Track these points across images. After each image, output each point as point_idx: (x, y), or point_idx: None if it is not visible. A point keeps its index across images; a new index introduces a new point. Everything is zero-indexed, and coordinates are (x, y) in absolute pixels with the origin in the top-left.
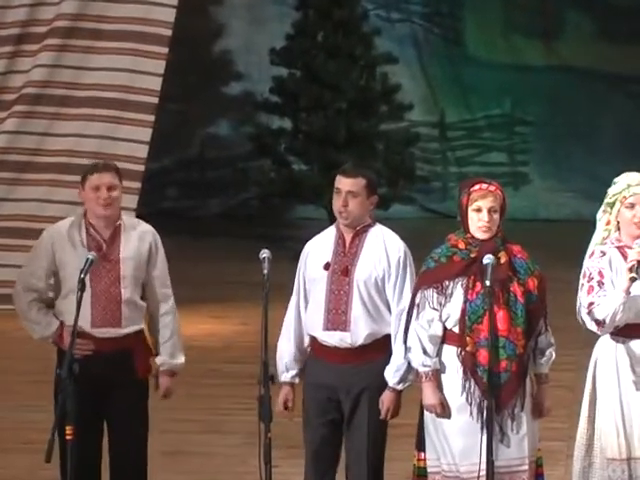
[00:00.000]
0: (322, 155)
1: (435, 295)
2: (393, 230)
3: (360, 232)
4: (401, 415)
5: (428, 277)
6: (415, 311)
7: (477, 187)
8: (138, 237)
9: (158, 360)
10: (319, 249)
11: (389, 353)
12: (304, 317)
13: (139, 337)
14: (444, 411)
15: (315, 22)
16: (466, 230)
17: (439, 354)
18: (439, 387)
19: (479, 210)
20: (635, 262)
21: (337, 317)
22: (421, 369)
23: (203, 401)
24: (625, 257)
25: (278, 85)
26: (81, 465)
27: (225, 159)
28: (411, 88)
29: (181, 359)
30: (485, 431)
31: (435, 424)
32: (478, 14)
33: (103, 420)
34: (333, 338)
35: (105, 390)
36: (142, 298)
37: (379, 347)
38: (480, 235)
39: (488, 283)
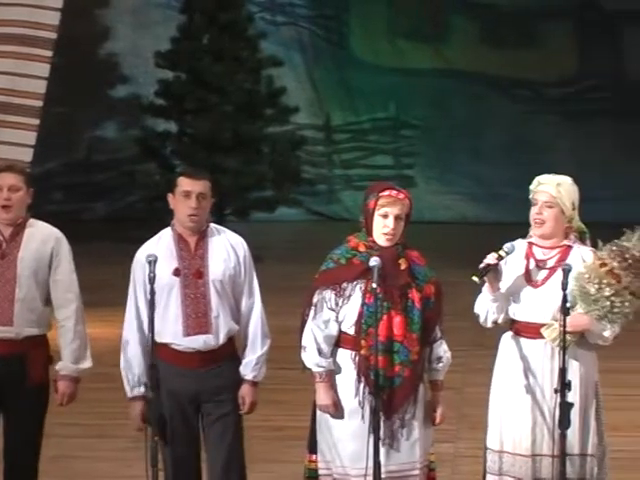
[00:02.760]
0: (208, 158)
1: (333, 296)
2: (281, 232)
3: (203, 234)
4: (291, 417)
5: (327, 277)
6: (312, 311)
7: (387, 193)
8: (41, 239)
9: (57, 365)
10: (158, 256)
11: (236, 349)
12: (147, 327)
13: (36, 342)
14: (337, 412)
15: (200, 25)
16: (369, 233)
17: (333, 357)
18: (333, 388)
19: (386, 216)
20: (486, 265)
21: (197, 321)
22: (315, 369)
23: (90, 405)
24: (527, 255)
25: (163, 88)
26: None
27: (111, 162)
28: (297, 91)
29: (84, 364)
30: (373, 433)
31: (326, 428)
32: (363, 18)
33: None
34: (196, 342)
35: (1, 394)
36: (48, 303)
37: (232, 344)
38: (382, 242)
39: (374, 285)
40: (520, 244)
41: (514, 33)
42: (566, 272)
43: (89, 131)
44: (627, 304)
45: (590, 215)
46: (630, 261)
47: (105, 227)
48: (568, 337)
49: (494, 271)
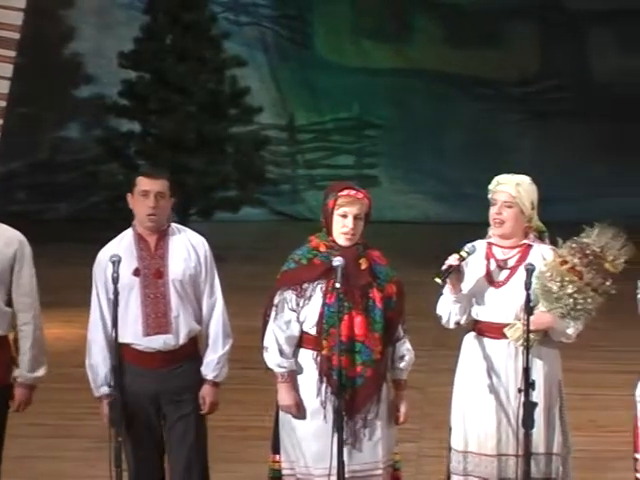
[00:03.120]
0: (172, 158)
1: (294, 297)
2: (245, 232)
3: (163, 234)
4: (255, 417)
5: (288, 278)
6: (274, 312)
7: (345, 192)
8: (4, 242)
9: (15, 372)
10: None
11: (199, 349)
12: (111, 327)
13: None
14: (299, 412)
15: (164, 25)
16: (329, 233)
17: (295, 357)
18: (295, 388)
19: (345, 216)
20: (448, 266)
21: (157, 321)
22: (277, 370)
23: (53, 405)
24: (487, 255)
25: (127, 88)
26: None
27: (75, 162)
28: (260, 91)
29: (40, 372)
30: (336, 434)
31: (289, 428)
32: (327, 18)
33: None
34: (156, 342)
35: None
36: (10, 304)
37: (193, 344)
38: (342, 242)
39: (338, 285)
40: (480, 245)
41: (477, 33)
42: (529, 272)
43: (53, 131)
44: (589, 300)
45: (551, 215)
46: (591, 257)
47: (68, 227)
48: (532, 336)
49: (456, 272)
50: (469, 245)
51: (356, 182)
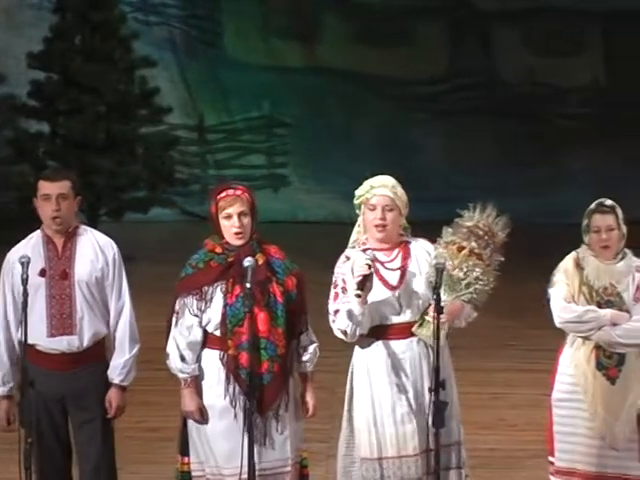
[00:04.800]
0: (81, 159)
1: (195, 302)
2: (155, 233)
3: (71, 235)
4: (165, 418)
5: (187, 284)
6: (174, 318)
7: (223, 194)
8: None
9: None
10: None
11: (109, 352)
12: (13, 328)
13: None
14: (202, 418)
15: (73, 25)
16: (221, 237)
17: (200, 358)
18: (198, 393)
19: (229, 217)
20: (361, 277)
21: (62, 322)
22: (179, 376)
23: None
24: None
25: (36, 89)
26: None
27: None
28: (170, 91)
29: None
30: (247, 433)
31: (198, 428)
32: (236, 17)
33: None
34: (59, 344)
35: None
36: None
37: (100, 347)
38: (234, 242)
39: (249, 285)
40: (359, 253)
41: (386, 32)
42: (440, 271)
43: None
44: (491, 279)
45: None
46: (486, 237)
47: None
48: (445, 329)
49: (369, 281)
50: (368, 252)
51: (266, 181)
